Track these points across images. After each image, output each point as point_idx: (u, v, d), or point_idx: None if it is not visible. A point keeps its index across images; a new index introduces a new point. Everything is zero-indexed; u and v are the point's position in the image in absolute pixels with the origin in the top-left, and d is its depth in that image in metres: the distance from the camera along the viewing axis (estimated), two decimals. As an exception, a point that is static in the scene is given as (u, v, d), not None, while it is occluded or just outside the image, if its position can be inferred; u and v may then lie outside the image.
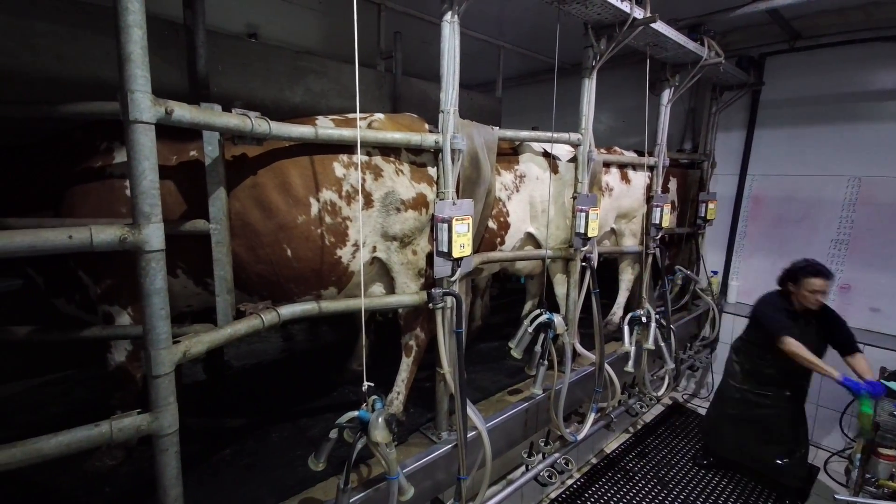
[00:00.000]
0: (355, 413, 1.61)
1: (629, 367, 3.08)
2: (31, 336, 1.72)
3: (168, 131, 1.54)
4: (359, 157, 1.86)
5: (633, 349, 3.06)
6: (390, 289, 2.22)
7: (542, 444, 2.69)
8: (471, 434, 2.10)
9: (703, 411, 4.32)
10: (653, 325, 3.05)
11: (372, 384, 1.67)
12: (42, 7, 2.33)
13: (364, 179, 1.98)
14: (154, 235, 1.25)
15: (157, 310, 1.29)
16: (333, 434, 1.62)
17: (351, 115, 2.10)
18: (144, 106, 1.20)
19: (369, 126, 2.03)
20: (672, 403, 4.62)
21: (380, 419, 1.60)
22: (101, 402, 2.44)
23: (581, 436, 2.74)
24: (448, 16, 1.88)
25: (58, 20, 2.39)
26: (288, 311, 1.81)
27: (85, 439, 1.24)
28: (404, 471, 1.82)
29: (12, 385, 2.57)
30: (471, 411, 2.09)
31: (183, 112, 1.33)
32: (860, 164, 3.86)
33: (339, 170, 1.93)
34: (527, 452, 2.64)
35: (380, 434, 1.59)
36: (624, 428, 4.10)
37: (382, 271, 2.20)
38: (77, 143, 1.86)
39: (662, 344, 3.14)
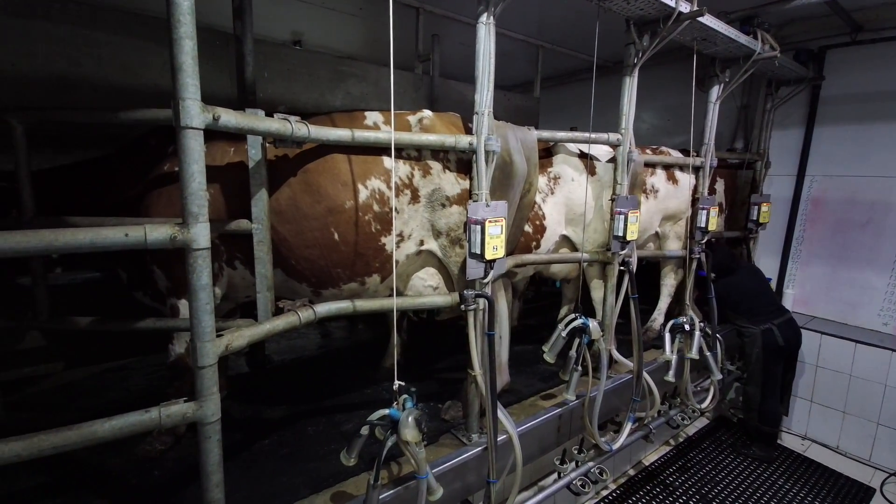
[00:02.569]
0: (386, 411, 1.64)
1: (670, 377, 2.95)
2: (93, 326, 1.87)
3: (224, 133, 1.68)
4: (393, 160, 1.89)
5: (674, 358, 2.93)
6: (449, 283, 2.25)
7: (576, 452, 2.63)
8: (502, 437, 2.08)
9: (751, 426, 4.07)
10: (697, 333, 2.91)
11: (403, 383, 1.69)
12: (104, 18, 2.53)
13: (413, 175, 2.04)
14: (201, 234, 1.32)
15: (203, 304, 1.36)
16: (364, 431, 1.65)
17: (400, 112, 2.15)
18: (194, 112, 1.27)
19: (419, 122, 2.07)
20: (718, 416, 4.38)
21: (410, 418, 1.61)
22: (156, 389, 2.61)
23: (616, 445, 2.65)
24: (484, 17, 1.87)
25: (119, 31, 2.59)
26: (324, 308, 1.87)
27: (137, 423, 1.33)
28: (434, 470, 1.84)
29: (75, 371, 2.79)
30: (501, 415, 2.08)
31: (229, 118, 1.40)
32: (933, 163, 3.53)
33: (387, 162, 2.00)
34: (559, 460, 2.59)
35: (409, 433, 1.60)
36: (664, 440, 3.93)
37: (435, 266, 2.24)
38: (151, 149, 2.01)
39: (708, 353, 2.98)
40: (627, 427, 2.73)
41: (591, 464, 2.58)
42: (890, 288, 3.83)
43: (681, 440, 4.00)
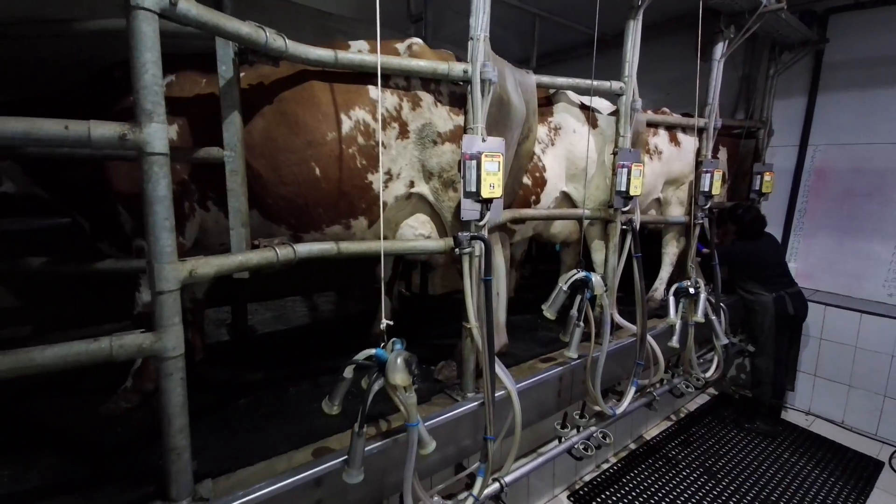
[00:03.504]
0: (373, 351, 1.48)
1: (674, 343, 2.81)
2: (46, 267, 1.69)
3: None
4: (379, 87, 1.72)
5: (678, 323, 2.79)
6: (442, 231, 2.09)
7: (577, 417, 2.48)
8: (499, 394, 1.92)
9: (754, 402, 3.95)
10: (702, 296, 2.77)
11: (391, 322, 1.53)
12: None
13: (401, 108, 1.87)
14: (157, 136, 1.15)
15: (161, 219, 1.19)
16: (348, 373, 1.49)
17: (387, 41, 1.98)
18: (147, -10, 1.10)
19: (408, 49, 1.91)
20: (719, 393, 4.26)
21: (399, 360, 1.46)
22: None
23: (620, 410, 2.51)
24: (480, -70, 1.71)
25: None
26: (304, 248, 1.69)
27: (83, 353, 1.16)
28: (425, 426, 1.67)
29: (43, 337, 2.59)
30: (499, 369, 1.92)
31: (188, 7, 1.22)
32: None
33: (374, 92, 1.83)
34: (560, 424, 2.44)
35: (398, 376, 1.45)
36: (666, 414, 3.81)
37: (427, 213, 2.08)
38: (115, 81, 1.82)
39: (713, 317, 2.85)
40: (631, 392, 2.59)
41: (593, 428, 2.43)
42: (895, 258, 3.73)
43: (682, 416, 3.87)
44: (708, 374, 3.15)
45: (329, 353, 2.59)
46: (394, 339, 1.55)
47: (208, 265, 1.37)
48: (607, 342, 2.34)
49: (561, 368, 2.37)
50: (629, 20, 2.46)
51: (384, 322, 1.53)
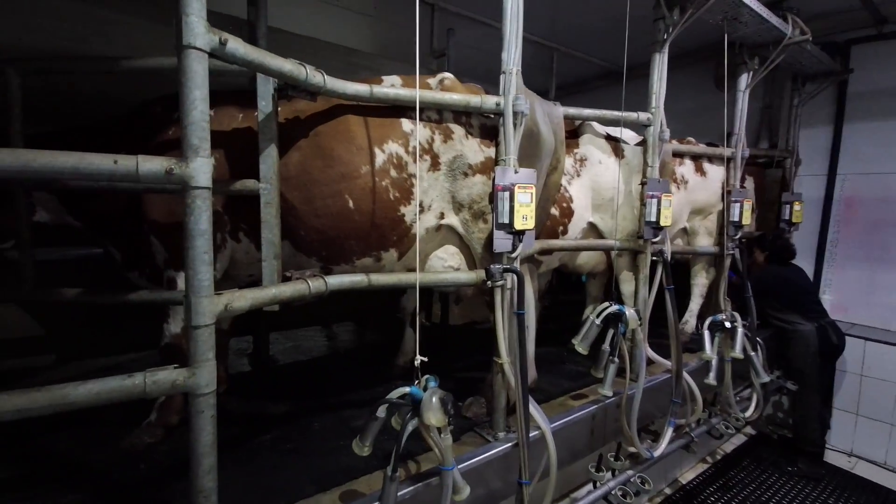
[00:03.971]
0: (407, 389, 1.42)
1: (711, 380, 2.68)
2: (81, 297, 1.69)
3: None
4: (417, 119, 1.73)
5: (715, 358, 2.67)
6: (471, 264, 2.06)
7: (612, 460, 2.35)
8: (533, 434, 1.83)
9: (794, 443, 3.73)
10: (740, 330, 2.66)
11: (425, 359, 1.48)
12: (117, -2, 2.46)
13: (433, 140, 1.88)
14: (202, 170, 1.16)
15: (201, 253, 1.18)
16: (381, 412, 1.43)
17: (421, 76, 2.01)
18: (199, 31, 1.13)
19: (440, 83, 1.93)
20: (756, 433, 4.04)
21: (434, 399, 1.40)
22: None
23: (658, 453, 2.37)
24: (512, -29, 1.75)
25: (129, 11, 2.52)
26: (336, 280, 1.67)
27: (117, 389, 1.13)
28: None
29: (68, 366, 2.59)
30: (533, 408, 1.83)
31: (237, 45, 1.26)
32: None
33: (406, 125, 1.85)
34: (594, 467, 2.31)
35: (434, 416, 1.38)
36: (701, 456, 3.60)
37: (457, 244, 2.06)
38: (155, 116, 1.88)
39: (752, 353, 2.72)
40: (668, 433, 2.45)
41: (630, 472, 2.29)
42: (936, 290, 3.56)
43: (718, 457, 3.66)
44: (748, 414, 2.99)
45: (351, 385, 2.53)
46: (427, 375, 1.50)
47: (243, 298, 1.35)
48: (643, 379, 2.23)
49: (594, 407, 2.26)
50: (654, 53, 2.48)
51: (418, 358, 1.48)
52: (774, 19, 2.80)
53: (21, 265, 1.75)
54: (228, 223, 1.84)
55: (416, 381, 1.46)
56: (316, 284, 1.62)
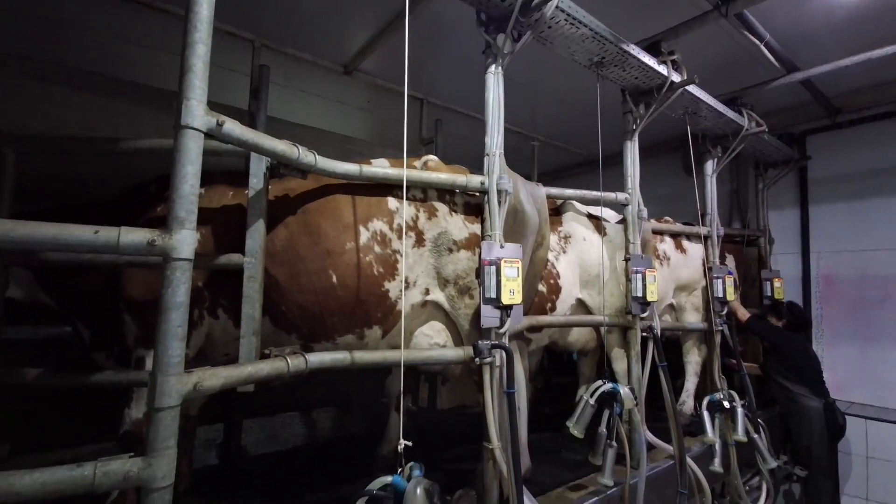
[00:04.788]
0: (388, 479, 1.29)
1: (716, 466, 2.51)
2: (42, 380, 1.57)
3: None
4: (404, 198, 1.79)
5: (718, 442, 2.53)
6: (458, 341, 2.00)
7: (619, 564, 2.10)
8: (529, 533, 1.65)
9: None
10: (739, 410, 2.56)
11: (409, 443, 1.37)
12: (125, 89, 2.64)
13: (417, 217, 1.92)
14: (185, 242, 1.16)
15: (174, 326, 1.13)
16: (360, 506, 1.28)
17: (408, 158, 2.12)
18: (197, 113, 1.20)
19: (425, 164, 2.02)
20: (771, 530, 3.69)
21: (418, 489, 1.27)
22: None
23: (669, 554, 2.13)
24: (492, 68, 1.95)
25: (138, 102, 2.69)
26: (316, 358, 1.60)
27: (64, 480, 1.02)
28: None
29: (19, 458, 2.33)
30: (528, 500, 1.68)
31: (233, 127, 1.33)
32: (939, 234, 3.52)
33: (392, 203, 1.91)
34: (599, 574, 2.05)
35: (417, 510, 1.24)
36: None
37: (442, 320, 2.02)
38: (149, 195, 1.92)
39: (755, 436, 2.59)
40: (677, 529, 2.23)
41: (640, 579, 2.04)
42: (927, 366, 3.54)
43: (734, 560, 3.30)
44: (759, 505, 2.76)
45: (331, 479, 2.30)
46: (411, 463, 1.37)
47: (215, 377, 1.27)
48: (645, 465, 2.08)
49: (595, 500, 2.07)
50: (626, 141, 2.68)
51: (402, 443, 1.37)
52: (731, 113, 3.09)
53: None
54: (208, 299, 1.80)
55: (400, 470, 1.33)
56: (295, 362, 1.54)
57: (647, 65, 2.37)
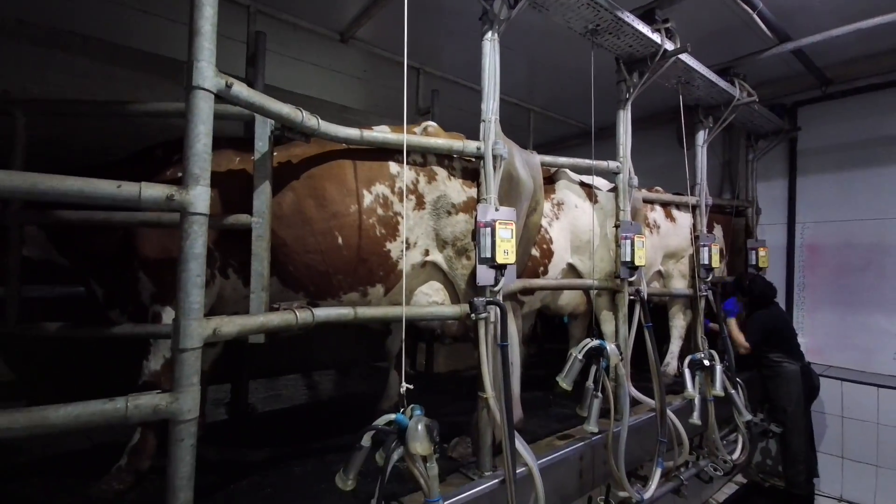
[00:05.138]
0: (392, 416, 1.42)
1: (695, 419, 2.69)
2: (62, 332, 1.67)
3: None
4: (404, 162, 1.86)
5: (697, 397, 2.70)
6: (455, 299, 2.12)
7: (602, 503, 2.29)
8: (519, 471, 1.80)
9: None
10: (718, 367, 2.72)
11: (411, 386, 1.49)
12: (124, 55, 2.65)
13: (418, 181, 2.00)
14: (201, 198, 1.23)
15: (194, 276, 1.22)
16: (366, 441, 1.41)
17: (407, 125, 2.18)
18: (207, 74, 1.25)
19: (424, 130, 2.09)
20: (748, 482, 3.96)
21: (420, 426, 1.40)
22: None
23: (648, 494, 2.32)
24: (489, 35, 1.99)
25: (137, 68, 2.69)
26: (323, 312, 1.70)
27: (98, 413, 1.12)
28: (443, 506, 1.54)
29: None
30: (519, 444, 1.82)
31: (241, 89, 1.38)
32: (921, 204, 3.64)
33: (393, 168, 1.98)
34: (584, 511, 2.24)
35: (419, 444, 1.38)
36: (693, 506, 3.49)
37: (441, 280, 2.13)
38: (156, 159, 1.97)
39: (732, 391, 2.76)
40: (657, 474, 2.41)
41: (620, 516, 2.23)
42: (903, 330, 3.72)
43: (711, 507, 3.56)
44: (735, 456, 2.96)
45: (334, 431, 2.45)
46: (413, 405, 1.50)
47: (232, 324, 1.37)
48: (628, 415, 2.24)
49: (581, 445, 2.24)
50: (619, 110, 2.73)
51: (404, 386, 1.49)
52: (723, 83, 3.14)
53: (7, 300, 1.74)
54: (218, 259, 1.88)
55: (403, 409, 1.46)
56: (303, 315, 1.64)
57: (641, 32, 2.40)
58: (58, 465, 1.99)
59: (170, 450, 1.20)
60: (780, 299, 4.31)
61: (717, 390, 2.68)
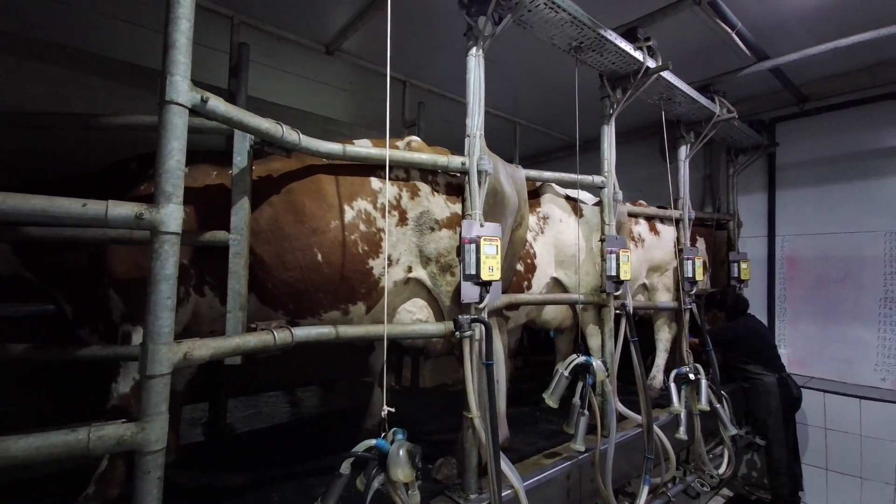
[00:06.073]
0: (373, 441, 1.37)
1: (681, 434, 2.68)
2: (29, 353, 1.59)
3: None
4: (387, 178, 1.84)
5: (683, 411, 2.69)
6: (439, 316, 2.09)
7: (589, 523, 2.25)
8: (505, 493, 1.76)
9: (772, 504, 3.66)
10: (704, 382, 2.72)
11: (392, 409, 1.44)
12: (100, 64, 2.59)
13: (400, 197, 1.97)
14: (173, 216, 1.19)
15: (164, 298, 1.17)
16: (345, 468, 1.36)
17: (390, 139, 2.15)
18: (182, 89, 1.22)
19: (408, 145, 2.07)
20: (734, 495, 3.95)
21: (401, 451, 1.35)
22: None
23: (635, 513, 2.29)
24: (473, 50, 1.99)
25: (115, 78, 2.63)
26: (302, 332, 1.65)
27: (60, 445, 1.06)
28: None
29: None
30: (505, 465, 1.79)
31: (217, 104, 1.35)
32: (894, 217, 3.73)
33: (375, 183, 1.95)
34: (571, 532, 2.20)
35: (401, 471, 1.33)
36: (681, 520, 3.47)
37: (425, 297, 2.10)
38: (130, 172, 1.91)
39: (718, 406, 2.76)
40: (644, 491, 2.39)
41: (608, 536, 2.19)
42: (881, 342, 3.79)
43: (698, 522, 3.53)
44: (721, 471, 2.96)
45: (315, 452, 2.38)
46: (395, 428, 1.45)
47: (205, 347, 1.32)
48: (615, 433, 2.22)
49: (568, 464, 2.20)
50: (603, 125, 2.75)
51: (385, 409, 1.44)
52: (703, 100, 3.20)
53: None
54: (194, 276, 1.82)
55: (384, 434, 1.41)
56: (282, 335, 1.59)
57: (623, 50, 2.43)
58: (26, 492, 1.88)
59: (135, 483, 1.14)
60: (762, 311, 4.38)
61: (703, 405, 2.67)
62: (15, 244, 1.81)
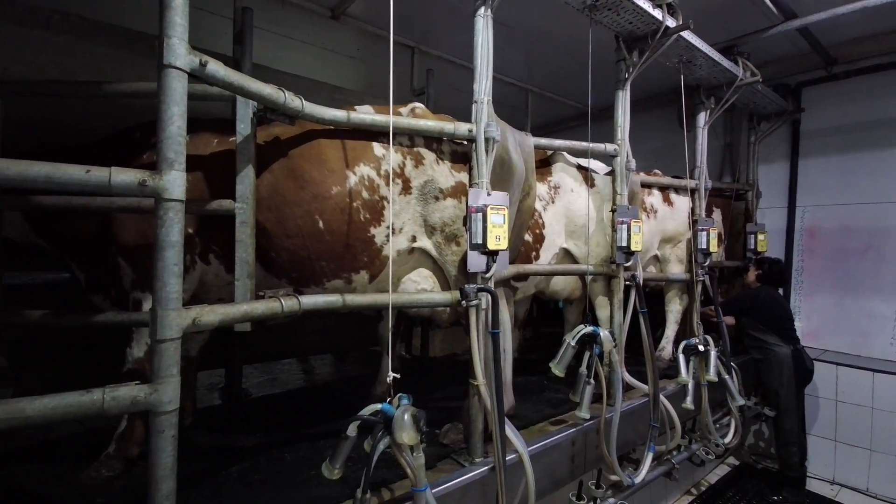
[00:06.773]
0: (378, 406, 1.40)
1: (688, 404, 2.69)
2: (46, 319, 1.64)
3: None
4: (391, 145, 1.80)
5: (691, 382, 2.69)
6: (445, 286, 2.08)
7: (593, 488, 2.30)
8: (510, 457, 1.80)
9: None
10: (713, 353, 2.70)
11: (398, 375, 1.47)
12: (106, 33, 2.55)
13: (404, 165, 1.94)
14: (175, 183, 1.18)
15: (171, 264, 1.19)
16: (352, 431, 1.40)
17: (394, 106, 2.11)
18: (180, 52, 1.19)
19: (411, 112, 2.02)
20: (740, 464, 4.00)
21: (406, 416, 1.38)
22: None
23: (639, 479, 2.33)
24: (482, 10, 1.90)
25: (121, 46, 2.60)
26: (310, 300, 1.67)
27: (74, 405, 1.10)
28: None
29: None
30: (510, 430, 1.82)
31: (217, 68, 1.32)
32: (923, 187, 3.59)
33: (378, 149, 1.92)
34: (574, 495, 2.25)
35: (406, 433, 1.36)
36: (686, 488, 3.54)
37: (430, 267, 2.09)
38: (134, 141, 1.91)
39: (726, 377, 2.76)
40: (648, 458, 2.42)
41: (612, 500, 2.24)
42: (900, 315, 3.70)
43: (703, 488, 3.60)
44: (727, 440, 2.98)
45: (327, 416, 2.45)
46: (400, 394, 1.48)
47: (213, 313, 1.34)
48: (620, 401, 2.23)
49: (573, 430, 2.24)
50: (618, 91, 2.65)
51: (391, 375, 1.47)
52: (726, 62, 3.04)
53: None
54: (199, 245, 1.84)
55: (389, 399, 1.44)
56: (289, 303, 1.61)
57: (641, 8, 2.31)
58: (51, 451, 1.99)
59: (150, 441, 1.18)
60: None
61: (711, 375, 2.67)
62: (26, 212, 1.84)
